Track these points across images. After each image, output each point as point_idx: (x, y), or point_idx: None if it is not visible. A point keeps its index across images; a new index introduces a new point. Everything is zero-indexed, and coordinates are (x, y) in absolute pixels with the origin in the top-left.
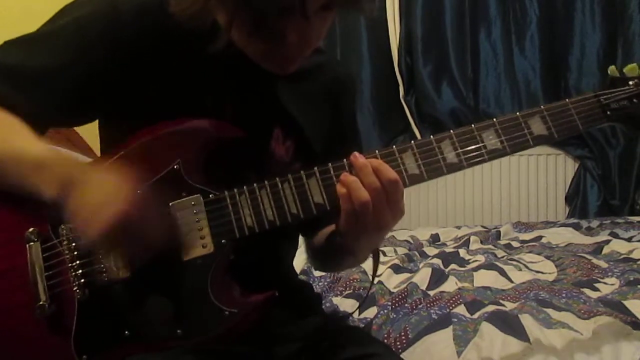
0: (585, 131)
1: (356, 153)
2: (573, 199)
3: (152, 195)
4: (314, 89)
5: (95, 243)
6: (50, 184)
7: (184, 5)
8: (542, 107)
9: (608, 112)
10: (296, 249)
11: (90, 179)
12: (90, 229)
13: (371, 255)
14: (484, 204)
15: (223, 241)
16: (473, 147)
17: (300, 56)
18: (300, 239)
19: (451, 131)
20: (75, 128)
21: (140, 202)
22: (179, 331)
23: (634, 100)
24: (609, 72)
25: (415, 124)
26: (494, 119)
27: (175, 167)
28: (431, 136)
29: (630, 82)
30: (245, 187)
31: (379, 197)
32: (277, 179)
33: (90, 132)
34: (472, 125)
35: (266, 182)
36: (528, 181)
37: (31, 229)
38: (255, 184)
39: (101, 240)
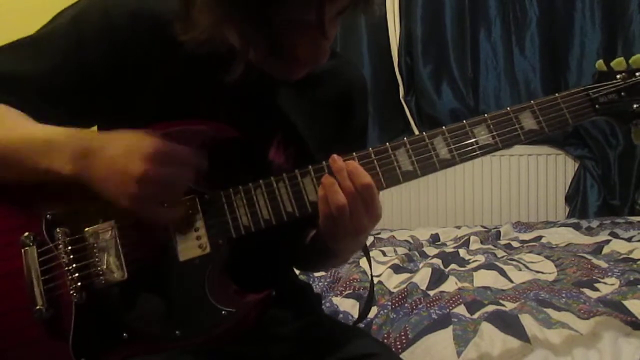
0: (576, 125)
1: (334, 156)
2: (573, 199)
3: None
4: (323, 96)
5: (137, 196)
6: (65, 161)
7: (193, 34)
8: (532, 102)
9: (597, 106)
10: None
11: (104, 142)
12: (127, 184)
13: (363, 255)
14: (484, 204)
15: (220, 241)
16: (465, 142)
17: (316, 64)
18: None
19: (443, 127)
20: None
21: (163, 145)
22: (177, 332)
23: (622, 93)
24: (596, 66)
25: (415, 124)
26: (485, 115)
27: None
28: (423, 132)
29: (618, 76)
30: (240, 187)
31: (355, 201)
32: (272, 178)
33: None
34: (464, 121)
35: (261, 181)
36: (528, 181)
37: (26, 234)
38: (250, 184)
39: (142, 192)
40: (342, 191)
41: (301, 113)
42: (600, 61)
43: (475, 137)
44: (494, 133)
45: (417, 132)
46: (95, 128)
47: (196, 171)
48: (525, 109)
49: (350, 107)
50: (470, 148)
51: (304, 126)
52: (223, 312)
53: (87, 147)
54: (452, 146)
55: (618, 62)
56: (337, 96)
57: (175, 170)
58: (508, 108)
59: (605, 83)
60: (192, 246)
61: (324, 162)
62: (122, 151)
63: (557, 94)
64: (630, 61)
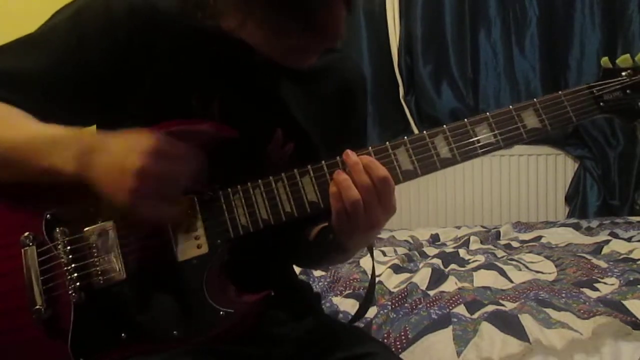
0: (579, 124)
1: (348, 151)
2: (573, 199)
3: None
4: (324, 90)
5: (134, 191)
6: (68, 159)
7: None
8: (535, 100)
9: (601, 104)
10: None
11: (107, 141)
12: (125, 178)
13: (368, 254)
14: (484, 204)
15: (218, 241)
16: (466, 141)
17: (335, 43)
18: None
19: (444, 126)
20: None
21: (163, 142)
22: (175, 332)
23: (628, 90)
24: (601, 63)
25: (415, 124)
26: (487, 113)
27: None
28: (424, 131)
29: (623, 73)
30: (239, 187)
31: (370, 195)
32: (271, 177)
33: None
34: (465, 120)
35: (260, 181)
36: (528, 181)
37: (26, 233)
38: (249, 184)
39: (139, 186)
40: (356, 186)
41: (303, 107)
42: (605, 58)
43: (476, 136)
44: (496, 132)
45: (417, 132)
46: (94, 128)
47: (195, 170)
48: (528, 107)
49: (352, 102)
50: (471, 147)
51: (306, 120)
52: (221, 313)
53: (91, 145)
54: (453, 145)
55: (624, 59)
56: (338, 90)
57: (174, 166)
58: (510, 106)
59: (610, 80)
60: (190, 246)
61: (322, 162)
62: (122, 148)
63: (560, 92)
64: (636, 58)
